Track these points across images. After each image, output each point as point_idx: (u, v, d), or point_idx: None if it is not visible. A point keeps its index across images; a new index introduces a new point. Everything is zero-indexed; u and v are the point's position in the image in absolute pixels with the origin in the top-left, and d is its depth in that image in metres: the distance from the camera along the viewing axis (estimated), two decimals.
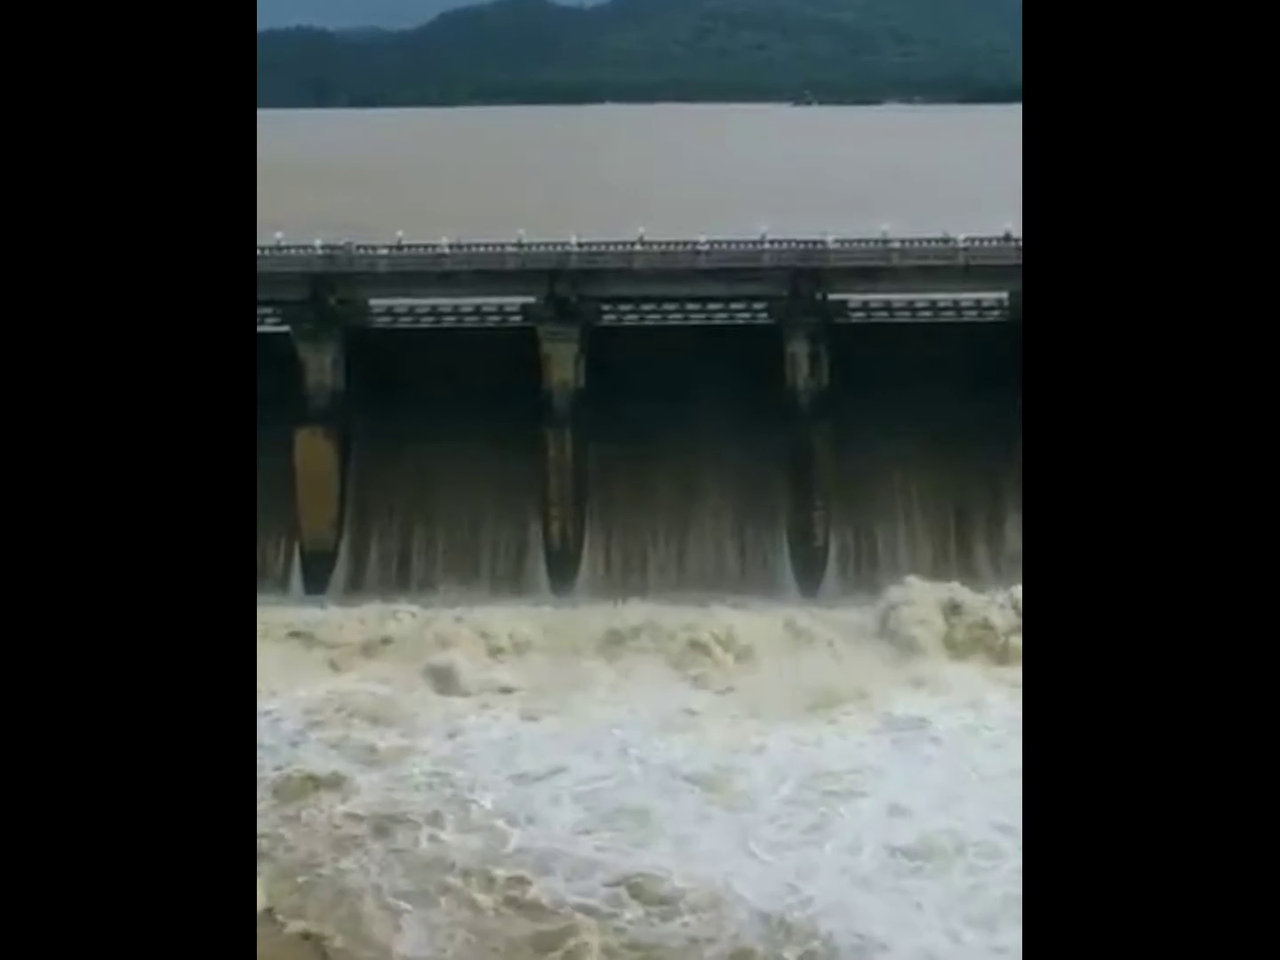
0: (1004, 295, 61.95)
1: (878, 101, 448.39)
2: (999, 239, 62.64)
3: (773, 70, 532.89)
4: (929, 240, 62.79)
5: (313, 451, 61.32)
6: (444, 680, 52.94)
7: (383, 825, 43.40)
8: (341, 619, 57.15)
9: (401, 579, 60.84)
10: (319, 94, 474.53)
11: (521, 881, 40.05)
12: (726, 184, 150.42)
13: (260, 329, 56.07)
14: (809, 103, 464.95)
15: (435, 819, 43.69)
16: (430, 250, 63.20)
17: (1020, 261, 58.75)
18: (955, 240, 62.58)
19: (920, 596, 55.94)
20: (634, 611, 56.82)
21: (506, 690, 52.71)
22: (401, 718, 50.46)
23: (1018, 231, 61.86)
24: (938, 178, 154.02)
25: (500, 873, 40.47)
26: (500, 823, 43.38)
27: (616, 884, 39.87)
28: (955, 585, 56.83)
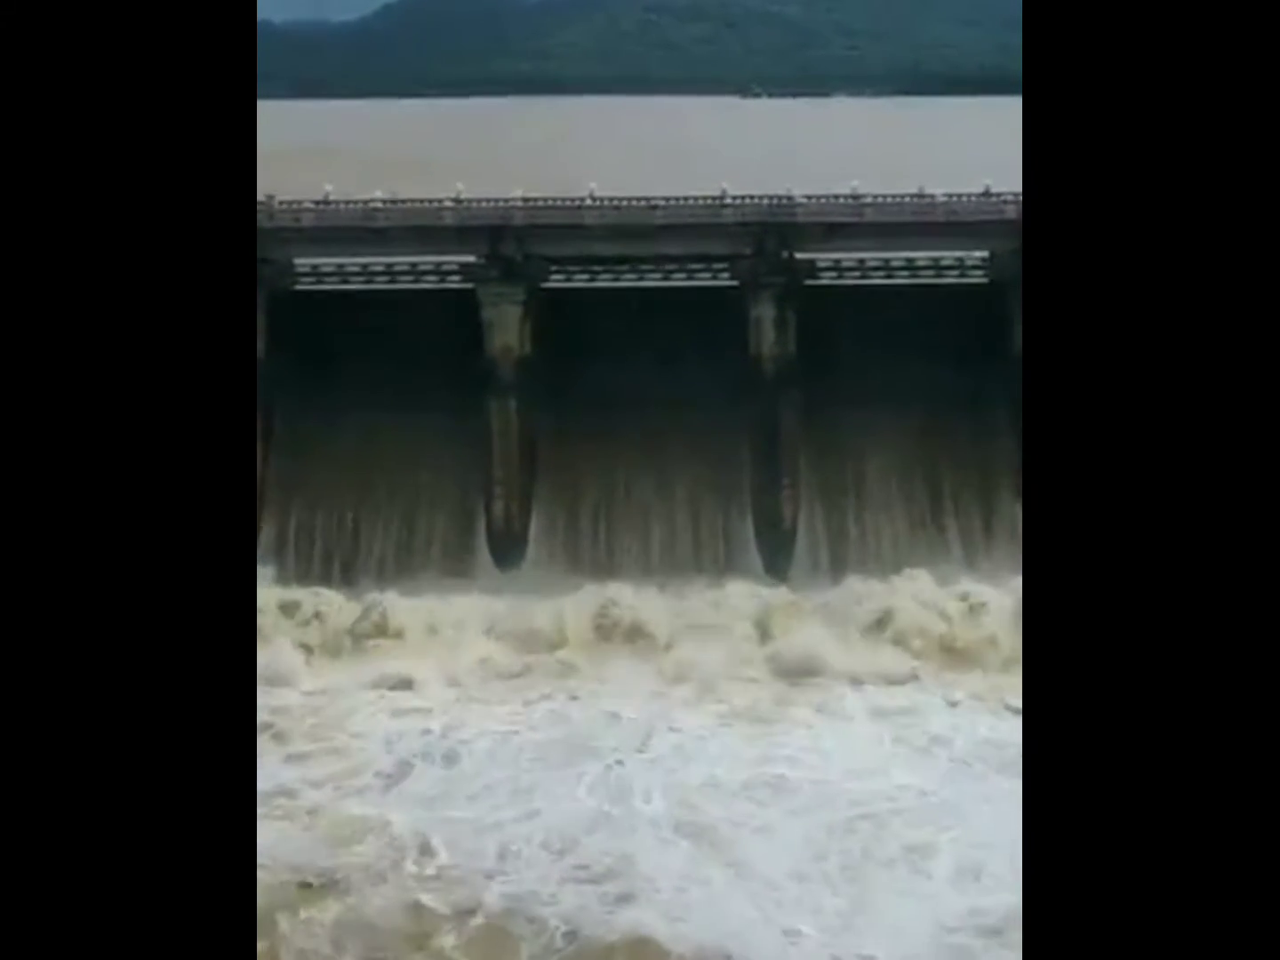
0: (986, 253, 57.14)
1: (827, 94, 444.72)
2: (979, 194, 57.94)
3: (720, 63, 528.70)
4: (904, 196, 57.84)
5: None
6: None
7: None
8: None
9: (326, 564, 55.29)
10: (264, 86, 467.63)
11: None
12: (693, 172, 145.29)
13: None
14: (758, 95, 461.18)
15: None
16: (361, 205, 57.76)
17: (1000, 216, 55.87)
18: (933, 196, 57.69)
19: None
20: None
21: None
22: None
23: (998, 187, 57.69)
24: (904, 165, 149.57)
25: None
26: None
27: None
28: None
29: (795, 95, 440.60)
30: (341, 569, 55.18)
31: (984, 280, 57.34)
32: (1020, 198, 55.44)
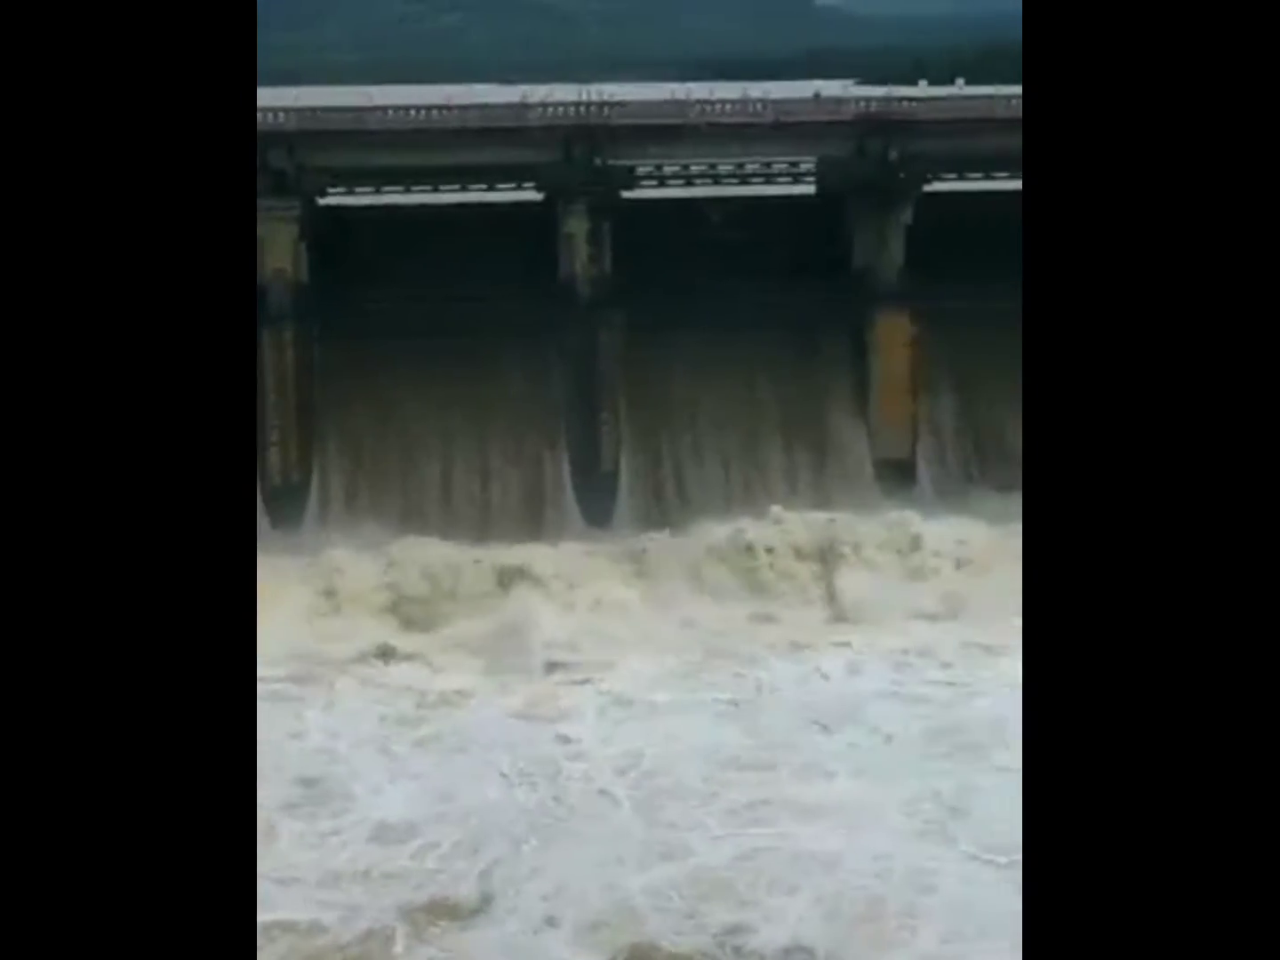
0: (817, 158, 51.49)
1: (588, 80, 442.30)
2: (809, 98, 52.77)
3: (477, 51, 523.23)
4: (728, 100, 51.97)
5: None
6: None
7: None
8: None
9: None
10: None
11: None
12: None
13: None
14: (514, 83, 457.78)
15: None
16: None
17: (834, 117, 50.73)
18: (759, 100, 51.92)
19: None
20: None
21: None
22: None
23: (827, 91, 53.20)
24: None
25: None
26: None
27: None
28: None
29: (554, 81, 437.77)
30: None
31: (815, 189, 51.91)
32: (859, 103, 51.38)
